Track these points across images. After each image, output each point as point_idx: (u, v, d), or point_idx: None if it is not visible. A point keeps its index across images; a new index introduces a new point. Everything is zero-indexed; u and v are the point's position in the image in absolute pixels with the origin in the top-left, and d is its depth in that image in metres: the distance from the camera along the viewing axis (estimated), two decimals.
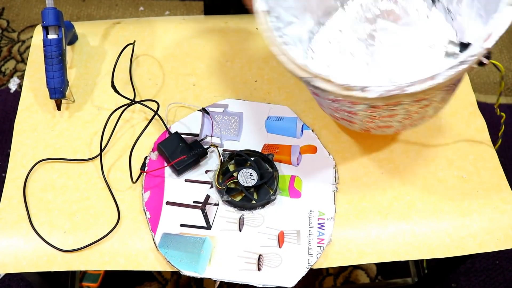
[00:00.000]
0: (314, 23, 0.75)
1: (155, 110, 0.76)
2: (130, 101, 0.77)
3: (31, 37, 0.87)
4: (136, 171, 0.72)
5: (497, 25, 0.53)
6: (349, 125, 0.72)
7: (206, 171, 0.72)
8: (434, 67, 0.69)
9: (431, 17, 0.73)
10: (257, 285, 0.65)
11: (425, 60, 0.70)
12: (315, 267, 0.67)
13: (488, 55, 0.54)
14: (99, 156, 0.73)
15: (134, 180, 0.71)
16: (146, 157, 0.73)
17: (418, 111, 0.63)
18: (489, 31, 0.53)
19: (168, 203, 0.70)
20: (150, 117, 0.77)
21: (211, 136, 0.76)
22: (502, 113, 0.74)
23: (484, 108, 0.79)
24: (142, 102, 0.78)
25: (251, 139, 0.76)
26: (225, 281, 0.65)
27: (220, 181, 0.71)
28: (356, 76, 0.72)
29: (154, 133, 0.76)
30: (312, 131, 0.77)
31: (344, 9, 0.77)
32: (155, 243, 0.67)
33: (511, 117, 1.56)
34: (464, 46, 0.66)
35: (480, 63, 0.53)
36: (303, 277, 0.66)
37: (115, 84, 0.76)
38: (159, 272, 1.23)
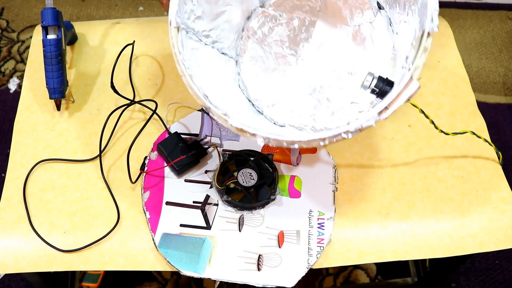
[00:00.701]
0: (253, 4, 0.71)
1: (153, 109, 0.76)
2: (129, 101, 0.77)
3: (31, 37, 0.87)
4: (136, 171, 0.72)
5: (398, 98, 0.50)
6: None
7: (206, 171, 0.72)
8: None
9: (375, 24, 0.69)
10: (257, 285, 0.65)
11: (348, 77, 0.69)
12: (315, 267, 0.67)
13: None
14: (98, 157, 0.73)
15: (133, 180, 0.71)
16: (145, 157, 0.73)
17: None
18: (387, 103, 0.50)
19: (167, 203, 0.70)
20: (148, 117, 0.77)
21: (211, 136, 0.75)
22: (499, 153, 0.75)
23: (484, 108, 0.79)
24: (141, 102, 0.78)
25: (250, 140, 0.75)
26: (225, 281, 0.65)
27: (220, 181, 0.71)
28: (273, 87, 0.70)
29: (154, 133, 0.76)
30: None
31: None
32: (154, 243, 0.67)
33: (511, 117, 1.56)
34: (382, 80, 0.62)
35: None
36: (303, 277, 0.66)
37: (115, 84, 0.76)
38: (159, 272, 1.23)
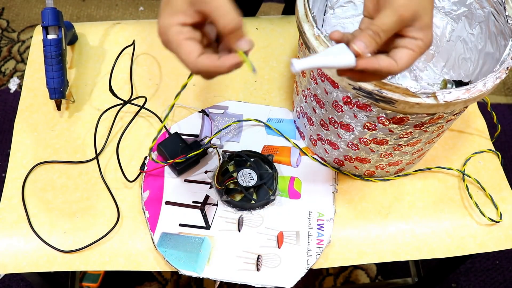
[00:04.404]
0: None
1: (141, 105, 0.76)
2: (123, 102, 0.77)
3: (31, 37, 0.87)
4: (136, 170, 0.72)
5: None
6: (326, 155, 0.72)
7: (206, 172, 0.72)
8: None
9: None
10: (256, 285, 0.65)
11: None
12: (315, 267, 0.67)
13: None
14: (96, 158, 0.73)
15: (129, 179, 0.71)
16: (145, 157, 0.73)
17: (402, 147, 0.64)
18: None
19: (167, 202, 0.70)
20: (148, 117, 0.77)
21: (211, 137, 0.75)
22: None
23: (484, 108, 0.79)
24: (131, 102, 0.77)
25: (251, 141, 0.76)
26: (224, 281, 0.65)
27: (220, 181, 0.71)
28: None
29: (154, 134, 0.76)
30: None
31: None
32: (153, 242, 0.67)
33: (511, 117, 1.56)
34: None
35: None
36: (303, 277, 0.66)
37: (115, 84, 0.76)
38: (159, 272, 1.23)
